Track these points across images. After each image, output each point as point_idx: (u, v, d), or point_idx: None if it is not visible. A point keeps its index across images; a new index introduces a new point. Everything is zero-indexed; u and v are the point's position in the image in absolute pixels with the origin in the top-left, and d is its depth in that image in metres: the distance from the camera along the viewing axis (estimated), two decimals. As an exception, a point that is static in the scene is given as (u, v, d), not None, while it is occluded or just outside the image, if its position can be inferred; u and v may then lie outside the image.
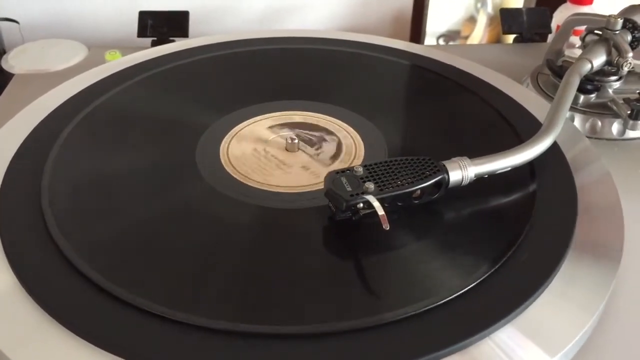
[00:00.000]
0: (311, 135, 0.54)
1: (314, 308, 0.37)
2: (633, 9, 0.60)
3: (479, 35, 0.98)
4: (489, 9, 0.97)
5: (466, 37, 0.99)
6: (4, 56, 0.72)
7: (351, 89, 0.62)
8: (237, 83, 0.62)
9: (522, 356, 0.35)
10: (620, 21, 0.58)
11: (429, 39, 0.97)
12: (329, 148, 0.52)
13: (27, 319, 0.36)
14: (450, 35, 0.98)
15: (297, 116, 0.56)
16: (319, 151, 0.52)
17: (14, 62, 0.71)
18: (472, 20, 0.98)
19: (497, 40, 0.99)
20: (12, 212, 0.44)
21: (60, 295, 0.37)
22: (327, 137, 0.53)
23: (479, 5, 0.97)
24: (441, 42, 0.99)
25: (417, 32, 0.98)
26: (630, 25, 0.59)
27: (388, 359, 0.34)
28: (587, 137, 0.56)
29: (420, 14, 0.96)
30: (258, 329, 0.35)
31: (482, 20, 0.98)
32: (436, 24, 0.97)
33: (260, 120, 0.56)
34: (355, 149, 0.52)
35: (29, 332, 0.35)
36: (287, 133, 0.53)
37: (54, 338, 0.35)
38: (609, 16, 0.58)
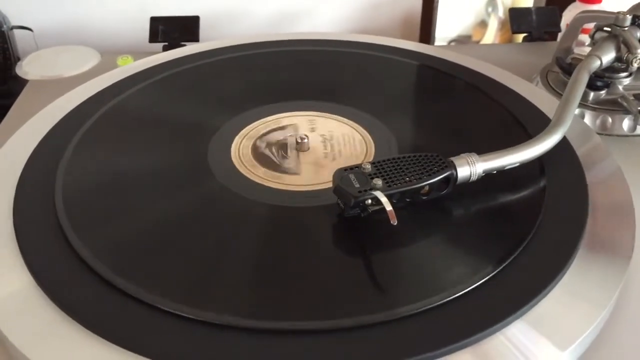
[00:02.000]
0: (322, 134, 0.54)
1: (325, 304, 0.38)
2: (642, 5, 0.59)
3: (490, 39, 0.98)
4: (500, 13, 0.96)
5: (477, 42, 0.99)
6: (19, 63, 0.73)
7: (361, 90, 0.62)
8: (248, 85, 0.63)
9: (534, 351, 0.35)
10: (629, 17, 0.57)
11: (439, 44, 0.97)
12: (339, 147, 0.52)
13: (43, 317, 0.36)
14: (461, 40, 0.98)
15: (308, 116, 0.57)
16: (329, 150, 0.52)
17: (28, 69, 0.72)
18: (483, 24, 0.97)
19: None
20: (27, 213, 0.44)
21: (76, 294, 0.38)
22: (338, 136, 0.54)
23: (489, 9, 0.97)
24: (452, 46, 0.99)
25: (426, 35, 0.98)
26: (640, 21, 0.58)
27: (399, 355, 0.34)
28: (598, 133, 0.56)
29: (430, 17, 0.96)
30: (273, 325, 0.36)
31: (493, 24, 0.97)
32: (447, 29, 0.96)
33: (272, 120, 0.56)
34: (366, 148, 0.52)
35: (46, 331, 0.36)
36: (298, 132, 0.53)
37: (70, 336, 0.35)
38: (618, 13, 0.58)
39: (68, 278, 0.39)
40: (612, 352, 0.38)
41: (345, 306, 0.37)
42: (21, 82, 0.70)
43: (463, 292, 0.38)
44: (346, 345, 0.35)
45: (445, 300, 0.37)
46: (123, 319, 0.36)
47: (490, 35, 0.98)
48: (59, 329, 0.36)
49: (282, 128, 0.55)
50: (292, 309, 0.37)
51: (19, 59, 0.77)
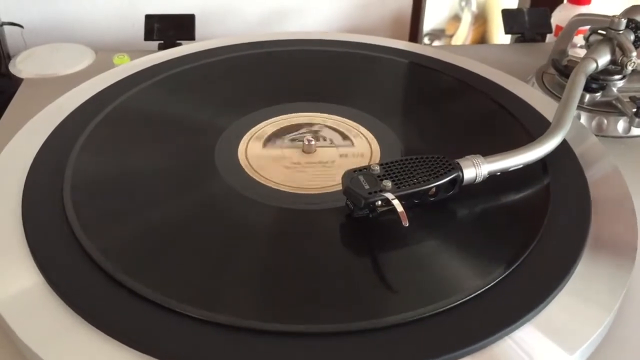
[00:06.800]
0: (327, 136, 0.54)
1: (332, 307, 0.38)
2: (636, 9, 0.60)
3: (463, 33, 0.98)
4: (473, 7, 0.96)
5: (451, 36, 0.98)
6: (12, 60, 0.72)
7: (362, 91, 0.62)
8: (247, 85, 0.63)
9: (542, 354, 0.36)
10: (624, 21, 0.59)
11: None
12: (345, 148, 0.53)
13: (55, 317, 0.37)
14: (435, 34, 0.98)
15: (313, 118, 0.57)
16: (335, 152, 0.52)
17: (22, 67, 0.70)
18: (456, 18, 0.98)
19: (482, 39, 0.98)
20: (36, 214, 0.44)
21: (86, 294, 0.38)
22: (343, 138, 0.54)
23: (463, 3, 0.97)
24: (426, 40, 0.98)
25: (415, 32, 0.98)
26: (634, 25, 0.59)
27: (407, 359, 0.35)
28: (594, 135, 0.57)
29: (418, 14, 0.97)
30: (282, 327, 0.36)
31: (466, 18, 0.97)
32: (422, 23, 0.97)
33: (277, 121, 0.56)
34: (371, 149, 0.53)
35: (58, 330, 0.36)
36: (304, 134, 0.54)
37: (82, 336, 0.36)
38: (613, 16, 0.59)
39: (78, 278, 0.39)
40: (619, 353, 0.38)
41: (348, 310, 0.37)
42: (14, 80, 0.69)
43: (471, 296, 0.38)
44: (352, 349, 0.35)
45: (452, 304, 0.37)
46: (133, 319, 0.36)
47: (464, 30, 0.98)
48: (70, 328, 0.36)
49: (287, 129, 0.55)
50: (301, 311, 0.38)
51: (8, 57, 0.75)
